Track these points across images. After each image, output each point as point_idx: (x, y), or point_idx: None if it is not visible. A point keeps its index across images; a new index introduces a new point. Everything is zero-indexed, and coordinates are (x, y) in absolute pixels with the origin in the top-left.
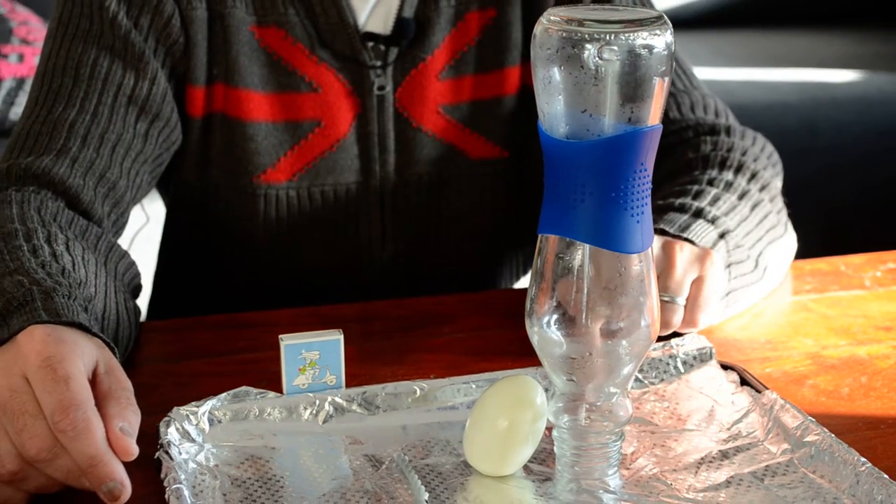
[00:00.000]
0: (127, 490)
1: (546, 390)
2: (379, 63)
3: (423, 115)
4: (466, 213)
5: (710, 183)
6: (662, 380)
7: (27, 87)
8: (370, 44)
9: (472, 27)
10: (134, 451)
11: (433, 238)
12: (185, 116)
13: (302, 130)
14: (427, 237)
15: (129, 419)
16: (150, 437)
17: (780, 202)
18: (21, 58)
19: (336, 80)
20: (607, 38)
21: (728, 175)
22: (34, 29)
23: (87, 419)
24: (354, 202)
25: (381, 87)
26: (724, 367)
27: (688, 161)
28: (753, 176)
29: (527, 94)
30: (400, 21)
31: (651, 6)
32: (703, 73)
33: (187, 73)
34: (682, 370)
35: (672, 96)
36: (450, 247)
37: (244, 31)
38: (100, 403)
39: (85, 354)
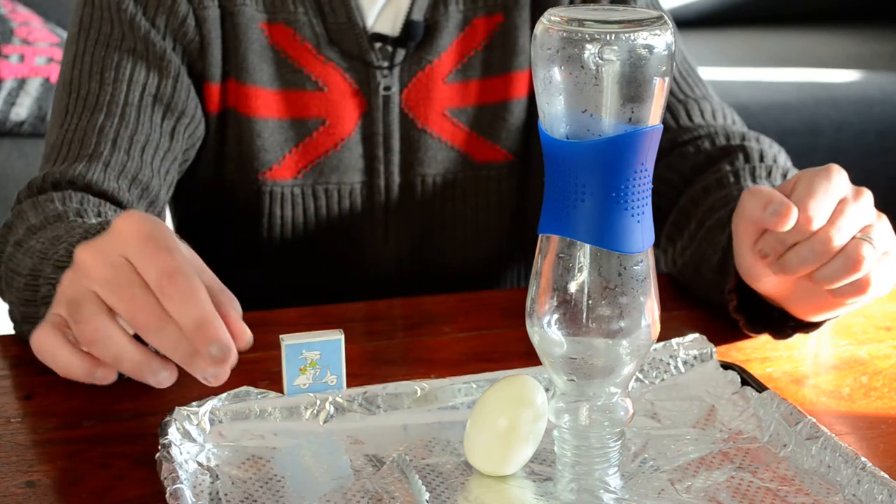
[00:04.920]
0: (234, 353)
1: (546, 390)
2: (386, 64)
3: (428, 117)
4: (470, 216)
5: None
6: (663, 380)
7: (28, 87)
8: (378, 44)
9: (480, 32)
10: (250, 336)
11: (437, 240)
12: (203, 113)
13: (306, 128)
14: (430, 239)
15: (236, 306)
16: (150, 438)
17: None
18: (22, 58)
19: (342, 79)
20: (608, 38)
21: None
22: (35, 29)
23: (193, 284)
24: (358, 202)
25: (388, 88)
26: (725, 366)
27: (722, 175)
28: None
29: (534, 99)
30: (409, 23)
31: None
32: (703, 73)
33: (203, 71)
34: (683, 370)
35: (695, 102)
36: (453, 249)
37: (254, 29)
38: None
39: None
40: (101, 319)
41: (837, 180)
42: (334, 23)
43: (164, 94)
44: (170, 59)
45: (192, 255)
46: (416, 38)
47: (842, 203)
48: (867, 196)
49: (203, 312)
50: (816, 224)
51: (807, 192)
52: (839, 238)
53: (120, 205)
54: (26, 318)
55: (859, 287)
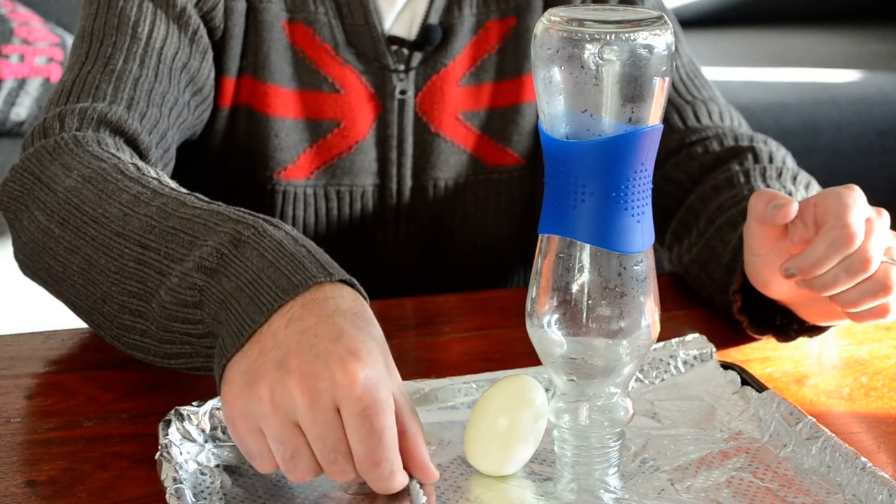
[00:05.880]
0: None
1: (546, 390)
2: (402, 67)
3: (442, 120)
4: (481, 219)
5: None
6: (663, 380)
7: (28, 87)
8: (394, 48)
9: (493, 35)
10: (435, 476)
11: (446, 243)
12: (214, 106)
13: (321, 130)
14: (440, 242)
15: (420, 434)
16: (150, 438)
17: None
18: (22, 58)
19: (359, 81)
20: (608, 38)
21: (788, 183)
22: (35, 29)
23: (393, 471)
24: (370, 204)
25: (403, 92)
26: (725, 366)
27: (732, 175)
28: (795, 177)
29: None
30: (426, 27)
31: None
32: (703, 73)
33: (220, 63)
34: (683, 370)
35: (702, 103)
36: (463, 252)
37: (277, 28)
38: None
39: (391, 370)
40: (311, 474)
41: (862, 198)
42: (352, 25)
43: (192, 66)
44: (201, 36)
45: (397, 384)
46: (433, 42)
47: (869, 222)
48: (886, 216)
49: (396, 488)
50: (860, 239)
51: (842, 206)
52: (876, 256)
53: (148, 162)
54: (92, 266)
55: (879, 311)
